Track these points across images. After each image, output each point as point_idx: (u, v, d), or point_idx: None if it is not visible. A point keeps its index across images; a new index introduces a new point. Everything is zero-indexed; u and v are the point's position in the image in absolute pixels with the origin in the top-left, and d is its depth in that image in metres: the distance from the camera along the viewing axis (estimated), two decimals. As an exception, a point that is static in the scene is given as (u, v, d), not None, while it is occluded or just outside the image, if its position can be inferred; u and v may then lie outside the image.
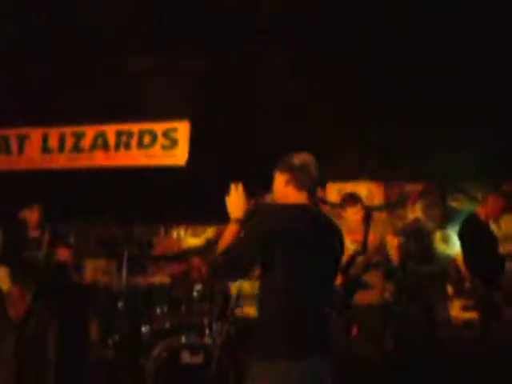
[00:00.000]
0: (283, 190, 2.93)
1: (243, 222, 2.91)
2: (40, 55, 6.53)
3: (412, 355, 5.92)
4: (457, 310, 6.68)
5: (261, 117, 6.92)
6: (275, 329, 2.68)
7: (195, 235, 8.28)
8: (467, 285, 6.04)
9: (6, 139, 7.45)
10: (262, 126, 7.01)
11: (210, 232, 8.23)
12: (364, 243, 5.18)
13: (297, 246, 2.70)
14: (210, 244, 8.03)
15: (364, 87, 6.52)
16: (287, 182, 2.91)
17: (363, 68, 6.51)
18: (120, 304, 5.98)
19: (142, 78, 6.63)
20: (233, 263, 2.72)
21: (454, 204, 7.56)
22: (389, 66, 6.41)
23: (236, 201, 2.95)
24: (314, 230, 2.82)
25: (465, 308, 6.55)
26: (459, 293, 6.52)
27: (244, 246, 2.73)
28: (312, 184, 2.94)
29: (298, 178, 2.89)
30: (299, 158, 2.93)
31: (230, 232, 2.86)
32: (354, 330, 5.39)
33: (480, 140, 6.64)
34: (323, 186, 7.30)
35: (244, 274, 2.82)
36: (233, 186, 2.97)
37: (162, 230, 8.38)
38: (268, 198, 3.10)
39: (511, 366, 4.95)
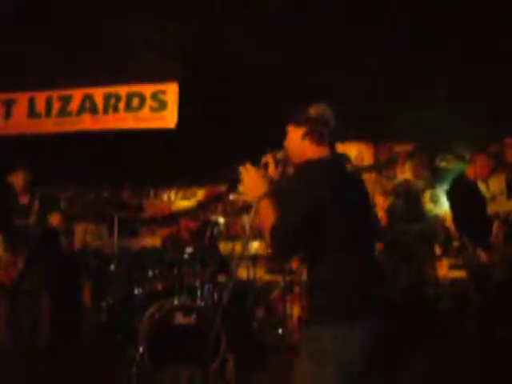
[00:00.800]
0: (300, 145, 2.70)
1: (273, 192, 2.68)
2: (27, 19, 6.41)
3: (400, 313, 6.02)
4: (444, 269, 6.77)
5: (250, 77, 6.86)
6: (338, 291, 2.53)
7: (185, 198, 8.29)
8: (455, 244, 6.12)
9: (-8, 104, 7.37)
10: (251, 87, 6.96)
11: (199, 194, 8.26)
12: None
13: (341, 206, 2.52)
14: (200, 206, 8.07)
15: (355, 47, 6.47)
16: (304, 136, 2.68)
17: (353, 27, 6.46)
18: (112, 267, 6.02)
19: (130, 40, 6.52)
20: (294, 239, 2.50)
21: (443, 164, 7.60)
22: (384, 26, 6.35)
23: (252, 181, 2.68)
24: (350, 186, 2.69)
25: (452, 267, 6.64)
26: (447, 252, 6.60)
27: (297, 218, 2.48)
28: (332, 136, 2.70)
29: (317, 130, 2.65)
30: (316, 109, 2.68)
31: (265, 209, 2.59)
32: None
33: (469, 101, 6.65)
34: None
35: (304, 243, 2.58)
36: (242, 169, 2.72)
37: (152, 193, 8.38)
38: (279, 155, 2.85)
39: (496, 323, 5.06)
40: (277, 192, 2.67)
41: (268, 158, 2.82)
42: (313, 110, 2.68)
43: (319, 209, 2.47)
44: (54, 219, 5.29)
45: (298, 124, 2.70)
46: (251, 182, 2.68)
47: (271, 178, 2.75)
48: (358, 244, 2.57)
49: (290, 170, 2.86)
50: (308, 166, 2.65)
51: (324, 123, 2.67)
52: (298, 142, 2.70)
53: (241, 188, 2.73)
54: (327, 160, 2.67)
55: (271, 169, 2.80)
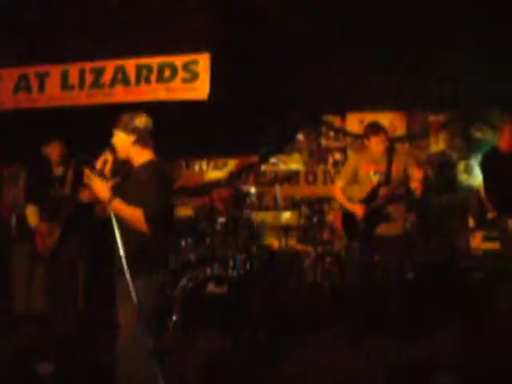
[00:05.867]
0: (130, 149, 3.43)
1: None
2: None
3: (432, 284, 6.01)
4: (477, 241, 6.70)
5: (282, 47, 6.80)
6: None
7: (217, 168, 8.31)
8: (489, 216, 6.04)
9: (25, 77, 7.42)
10: (283, 57, 6.91)
11: (231, 164, 8.27)
12: (387, 174, 5.16)
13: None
14: (232, 176, 8.08)
15: (387, 14, 6.36)
16: (134, 143, 3.40)
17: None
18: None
19: (161, 10, 6.51)
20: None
21: (477, 134, 7.46)
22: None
23: (97, 187, 3.28)
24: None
25: (486, 239, 6.57)
26: (480, 224, 6.52)
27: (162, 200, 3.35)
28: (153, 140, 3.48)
29: (143, 138, 3.41)
30: (140, 119, 3.40)
31: (120, 205, 3.29)
32: (376, 260, 5.46)
33: (505, 69, 6.49)
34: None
35: None
36: (86, 178, 3.30)
37: (184, 164, 8.42)
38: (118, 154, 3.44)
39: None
40: (126, 184, 3.45)
41: (107, 156, 3.39)
42: (138, 121, 3.40)
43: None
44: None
45: (126, 132, 3.40)
46: (97, 188, 3.27)
47: (105, 176, 3.34)
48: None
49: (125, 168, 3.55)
50: (152, 165, 3.43)
51: (148, 132, 3.44)
52: (128, 147, 3.42)
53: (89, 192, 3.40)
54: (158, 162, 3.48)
55: (108, 166, 3.39)
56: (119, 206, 3.28)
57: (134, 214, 3.27)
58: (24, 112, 7.36)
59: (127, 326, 3.38)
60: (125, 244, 3.20)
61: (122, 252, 3.18)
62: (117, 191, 3.34)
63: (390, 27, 6.59)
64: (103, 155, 3.38)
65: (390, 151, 5.25)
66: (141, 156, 3.45)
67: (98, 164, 3.36)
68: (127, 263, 3.13)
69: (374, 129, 5.32)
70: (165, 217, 3.40)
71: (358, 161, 5.42)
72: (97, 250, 5.85)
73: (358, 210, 5.18)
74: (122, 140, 3.42)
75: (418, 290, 5.87)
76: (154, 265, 3.42)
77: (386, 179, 5.16)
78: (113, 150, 3.44)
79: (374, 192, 5.18)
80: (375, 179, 5.21)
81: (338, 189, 5.45)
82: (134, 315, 3.15)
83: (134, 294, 3.09)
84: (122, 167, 3.58)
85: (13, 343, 5.39)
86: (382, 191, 5.15)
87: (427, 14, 6.43)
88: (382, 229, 5.17)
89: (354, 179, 5.39)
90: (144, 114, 3.45)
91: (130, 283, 3.10)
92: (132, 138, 3.40)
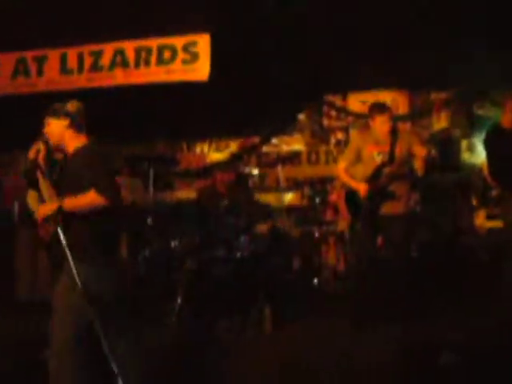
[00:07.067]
0: (64, 134, 3.38)
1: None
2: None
3: (436, 262, 6.01)
4: (481, 219, 6.69)
5: (283, 27, 6.74)
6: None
7: (218, 150, 8.29)
8: (492, 193, 6.03)
9: (24, 61, 7.37)
10: (284, 38, 6.85)
11: (232, 146, 8.24)
12: (390, 154, 5.14)
13: None
14: (234, 158, 8.06)
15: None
16: (68, 127, 3.35)
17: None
18: (149, 220, 6.08)
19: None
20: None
21: (480, 112, 7.42)
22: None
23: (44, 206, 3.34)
24: None
25: (489, 217, 6.56)
26: (484, 202, 6.51)
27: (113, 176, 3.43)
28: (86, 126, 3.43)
29: (77, 122, 3.36)
30: (73, 105, 3.38)
31: (74, 202, 3.23)
32: (380, 239, 5.46)
33: (506, 47, 6.44)
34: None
35: None
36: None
37: (185, 146, 8.39)
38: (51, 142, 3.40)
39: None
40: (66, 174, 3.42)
41: (39, 146, 3.35)
42: (70, 106, 3.38)
43: None
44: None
45: (58, 117, 3.37)
46: (42, 209, 3.33)
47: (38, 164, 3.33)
48: None
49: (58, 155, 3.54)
50: (93, 149, 3.40)
51: (81, 116, 3.39)
52: (63, 131, 3.37)
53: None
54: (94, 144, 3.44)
55: (41, 155, 3.34)
56: (72, 203, 3.23)
57: (89, 199, 3.20)
58: (23, 97, 7.32)
59: (64, 313, 3.38)
60: (73, 232, 3.25)
61: (64, 242, 3.20)
62: (58, 186, 3.38)
63: (391, 8, 6.53)
64: (35, 145, 3.35)
65: (393, 131, 5.22)
66: (75, 140, 3.40)
67: (31, 154, 3.33)
68: (74, 250, 3.16)
69: (379, 108, 5.28)
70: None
71: (361, 142, 5.39)
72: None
73: (362, 188, 5.17)
74: (55, 126, 3.39)
75: (422, 268, 5.86)
76: (101, 251, 3.36)
77: (390, 159, 5.14)
78: (45, 139, 3.39)
79: (377, 171, 5.16)
80: (379, 159, 5.19)
81: (341, 169, 5.45)
82: (74, 300, 3.19)
83: (78, 280, 3.07)
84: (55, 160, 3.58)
85: (16, 330, 5.40)
86: (386, 170, 5.15)
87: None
88: (386, 208, 5.15)
89: (357, 159, 5.37)
90: (75, 100, 3.44)
91: (74, 269, 3.08)
92: (65, 122, 3.36)
